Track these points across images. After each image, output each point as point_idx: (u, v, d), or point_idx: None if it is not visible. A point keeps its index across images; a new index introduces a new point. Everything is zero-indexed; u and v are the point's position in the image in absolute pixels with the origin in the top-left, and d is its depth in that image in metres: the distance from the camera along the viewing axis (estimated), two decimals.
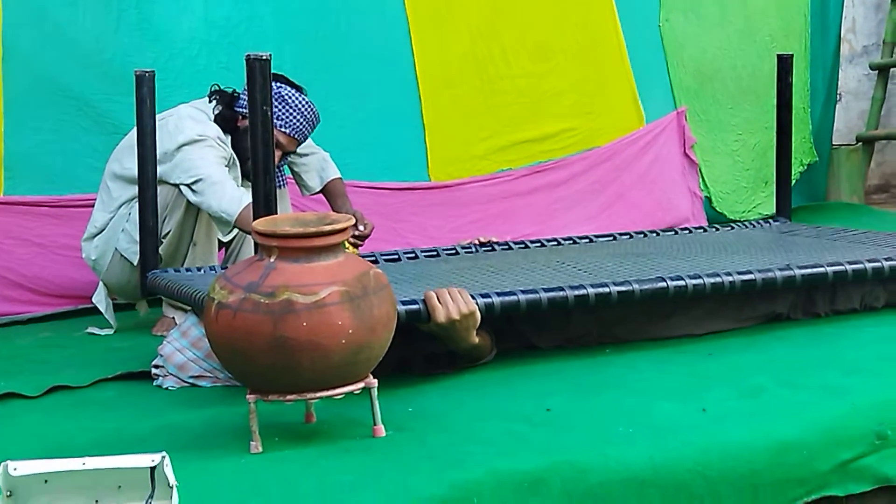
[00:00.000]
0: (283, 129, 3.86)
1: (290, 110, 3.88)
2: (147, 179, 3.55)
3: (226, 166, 3.84)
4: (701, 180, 5.59)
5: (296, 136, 3.93)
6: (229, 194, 3.69)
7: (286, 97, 3.88)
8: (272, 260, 2.34)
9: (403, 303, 2.78)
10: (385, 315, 2.37)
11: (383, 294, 2.38)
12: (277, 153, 3.78)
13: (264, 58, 2.97)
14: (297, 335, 2.26)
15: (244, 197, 3.65)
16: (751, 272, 3.19)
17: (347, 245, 3.93)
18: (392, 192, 4.95)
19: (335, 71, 4.76)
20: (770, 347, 3.12)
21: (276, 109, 3.79)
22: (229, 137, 3.92)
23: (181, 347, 3.09)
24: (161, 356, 3.12)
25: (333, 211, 4.08)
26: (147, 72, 3.42)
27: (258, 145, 3.08)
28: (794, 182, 5.52)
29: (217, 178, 3.72)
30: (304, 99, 3.93)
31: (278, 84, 3.86)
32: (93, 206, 4.02)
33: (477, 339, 2.92)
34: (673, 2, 5.58)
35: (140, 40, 4.41)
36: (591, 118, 5.38)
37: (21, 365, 3.47)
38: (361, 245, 4.04)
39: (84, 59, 4.32)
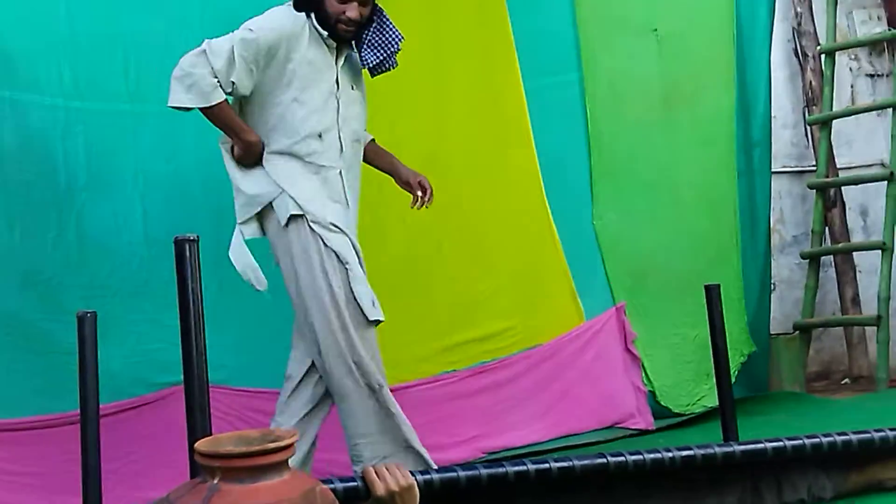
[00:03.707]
0: None
1: None
2: (89, 416, 3.17)
3: (248, 66, 3.79)
4: (644, 374, 5.59)
5: None
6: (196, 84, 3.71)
7: None
8: (215, 482, 2.29)
9: (341, 480, 2.81)
10: None
11: None
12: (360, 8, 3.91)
13: (192, 238, 3.00)
14: None
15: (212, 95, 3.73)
16: (690, 448, 3.23)
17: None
18: None
19: None
20: None
21: None
22: (313, 17, 3.92)
23: None
24: None
25: (393, 167, 4.24)
26: (88, 312, 3.29)
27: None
28: (735, 374, 5.57)
29: (201, 61, 3.72)
30: None
31: None
32: None
33: None
34: (605, 200, 5.68)
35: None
36: (530, 316, 5.40)
37: None
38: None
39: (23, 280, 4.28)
